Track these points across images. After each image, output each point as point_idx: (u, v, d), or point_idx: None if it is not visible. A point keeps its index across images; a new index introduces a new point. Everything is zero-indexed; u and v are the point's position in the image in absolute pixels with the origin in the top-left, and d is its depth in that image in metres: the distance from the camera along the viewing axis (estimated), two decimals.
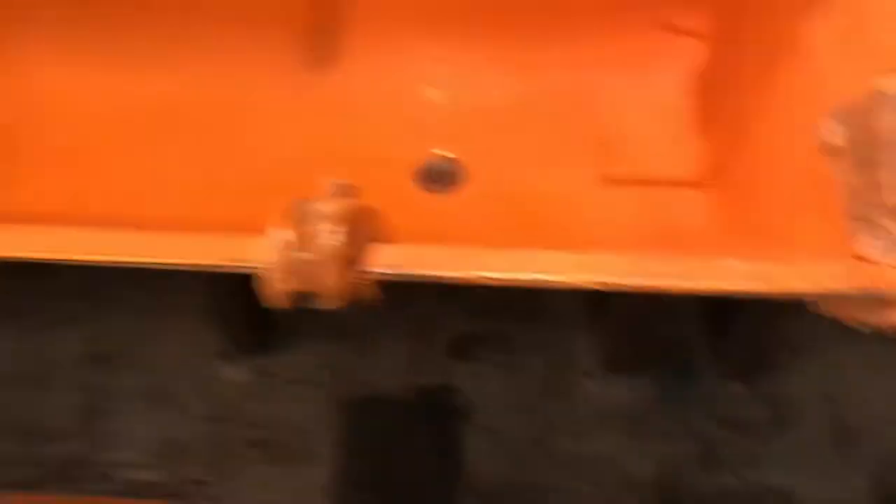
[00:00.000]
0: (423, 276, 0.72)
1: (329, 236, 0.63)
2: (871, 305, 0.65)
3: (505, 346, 1.54)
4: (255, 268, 0.69)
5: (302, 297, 0.67)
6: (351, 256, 0.67)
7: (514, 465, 1.42)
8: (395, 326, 1.56)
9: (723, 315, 1.49)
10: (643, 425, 1.46)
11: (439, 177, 1.24)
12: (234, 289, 1.38)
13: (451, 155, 1.38)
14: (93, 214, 1.13)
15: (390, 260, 0.71)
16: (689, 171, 1.20)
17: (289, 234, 0.64)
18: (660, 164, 1.24)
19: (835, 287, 0.66)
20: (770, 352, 1.51)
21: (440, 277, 0.72)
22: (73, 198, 1.42)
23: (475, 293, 1.59)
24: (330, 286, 0.64)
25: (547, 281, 0.72)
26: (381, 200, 0.82)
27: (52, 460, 1.43)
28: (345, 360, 1.53)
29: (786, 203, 0.96)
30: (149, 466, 1.43)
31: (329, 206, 0.70)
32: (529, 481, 1.40)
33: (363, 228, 0.69)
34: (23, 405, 1.49)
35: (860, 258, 0.68)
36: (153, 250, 0.71)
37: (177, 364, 1.53)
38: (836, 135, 0.76)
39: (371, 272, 0.70)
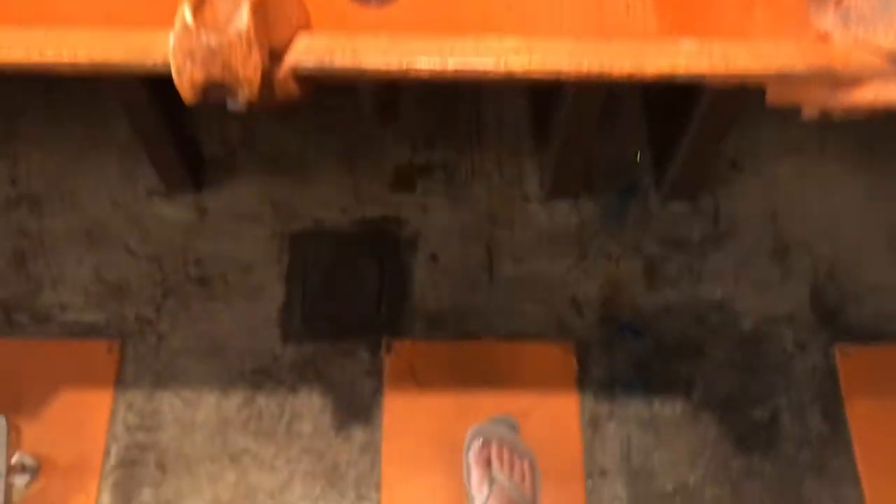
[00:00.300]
0: (348, 69, 0.67)
1: (233, 15, 0.57)
2: (824, 86, 0.63)
3: (449, 175, 1.52)
4: (161, 62, 0.63)
5: (217, 90, 0.62)
6: (264, 42, 0.61)
7: (460, 290, 1.43)
8: (335, 158, 1.52)
9: (667, 136, 1.47)
10: (587, 247, 1.47)
11: None
12: (161, 123, 1.32)
13: None
14: None
15: (312, 49, 0.66)
16: None
17: (187, 17, 0.58)
18: None
19: (790, 66, 0.63)
20: (712, 170, 1.51)
21: (366, 70, 0.67)
22: None
23: (417, 121, 1.55)
24: (240, 73, 0.59)
25: (483, 68, 0.67)
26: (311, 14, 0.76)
27: None
28: (285, 193, 1.49)
29: None
30: (90, 307, 1.40)
31: None
32: (476, 305, 1.42)
33: (279, 13, 0.64)
34: None
35: (819, 36, 0.65)
36: (57, 45, 0.64)
37: (110, 203, 1.48)
38: None
39: (291, 63, 0.65)
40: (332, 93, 1.52)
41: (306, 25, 0.71)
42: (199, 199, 1.48)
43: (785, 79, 0.64)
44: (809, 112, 0.66)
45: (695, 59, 0.65)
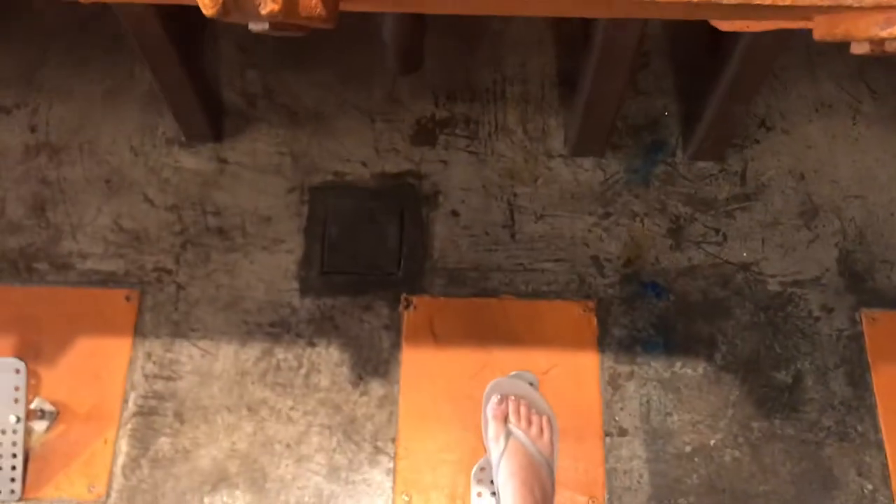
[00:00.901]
0: None
1: None
2: (877, 15, 0.59)
3: (471, 130, 1.50)
4: None
5: (238, 4, 0.59)
6: None
7: (481, 247, 1.41)
8: (356, 111, 1.50)
9: (695, 93, 1.44)
10: (611, 205, 1.44)
11: None
12: (182, 72, 1.30)
13: None
14: None
15: None
16: None
17: None
18: None
19: None
20: (741, 129, 1.48)
21: None
22: None
23: (439, 75, 1.52)
24: None
25: None
26: None
27: (7, 253, 1.40)
28: (305, 145, 1.48)
29: None
30: (109, 256, 1.40)
31: None
32: (496, 262, 1.40)
33: None
34: None
35: None
36: None
37: (129, 152, 1.47)
38: None
39: None
40: (352, 43, 1.49)
41: None
42: (219, 150, 1.47)
43: (838, 8, 0.61)
44: (859, 47, 0.63)
45: None
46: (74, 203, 1.43)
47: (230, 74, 1.51)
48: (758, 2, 0.59)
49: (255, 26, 0.60)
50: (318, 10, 0.59)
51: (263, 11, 0.56)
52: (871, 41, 0.60)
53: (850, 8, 0.59)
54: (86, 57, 1.53)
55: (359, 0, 0.65)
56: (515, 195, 1.45)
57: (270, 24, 0.60)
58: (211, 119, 1.43)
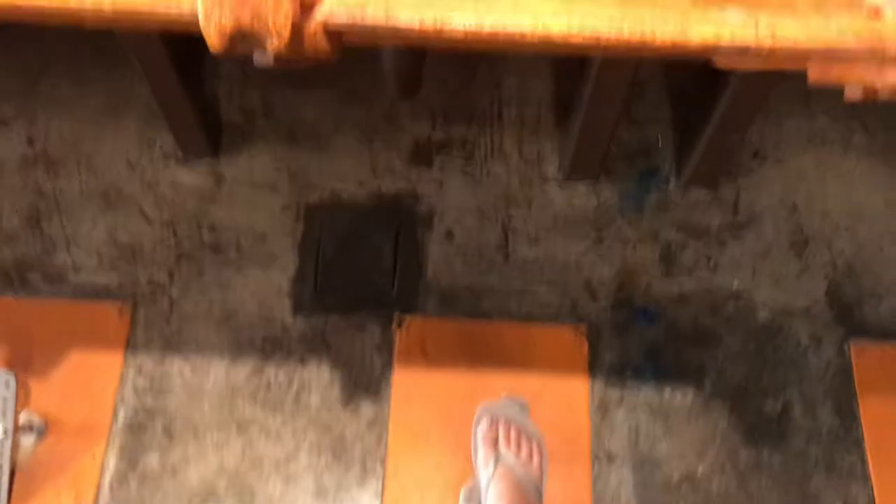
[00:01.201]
0: (380, 26, 0.65)
1: None
2: (871, 64, 0.61)
3: (467, 152, 1.51)
4: (186, 8, 0.61)
5: (245, 40, 0.60)
6: None
7: (474, 268, 1.42)
8: (354, 130, 1.51)
9: (690, 122, 1.45)
10: (604, 230, 1.45)
11: None
12: (181, 87, 1.31)
13: None
14: None
15: (344, 2, 0.64)
16: None
17: None
18: None
19: (840, 41, 0.61)
20: (734, 158, 1.50)
21: (399, 27, 0.65)
22: None
23: (437, 97, 1.53)
24: (270, 22, 0.57)
25: (520, 30, 0.65)
26: None
27: (1, 263, 1.40)
28: (302, 163, 1.48)
29: None
30: (103, 269, 1.40)
31: None
32: (490, 284, 1.40)
33: None
34: None
35: (871, 12, 0.62)
36: None
37: (126, 166, 1.47)
38: None
39: (322, 16, 0.63)
40: (352, 64, 1.50)
41: None
42: (216, 166, 1.47)
43: (833, 55, 0.62)
44: (853, 92, 0.64)
45: (741, 29, 0.63)
46: (70, 215, 1.43)
47: (229, 91, 1.52)
48: (754, 48, 0.61)
49: (260, 60, 0.61)
50: (323, 46, 0.60)
51: (270, 48, 0.57)
52: (865, 88, 0.61)
53: (844, 56, 0.61)
54: (86, 70, 1.54)
55: (361, 35, 0.66)
56: (510, 217, 1.46)
57: (275, 58, 0.61)
58: (209, 135, 1.44)
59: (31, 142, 1.49)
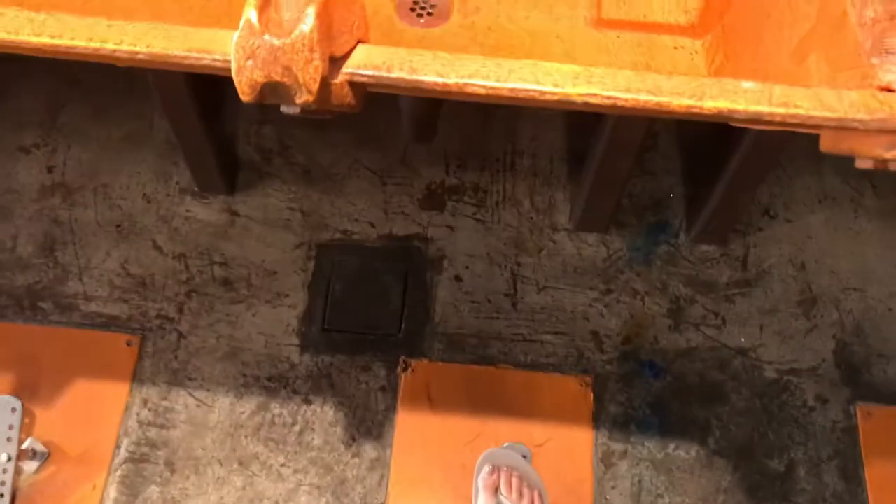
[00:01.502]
0: (405, 82, 0.67)
1: (298, 20, 0.58)
2: (882, 136, 0.62)
3: (479, 198, 1.52)
4: (220, 59, 0.63)
5: (274, 92, 0.62)
6: (325, 48, 0.62)
7: (482, 314, 1.42)
8: (368, 172, 1.53)
9: (701, 178, 1.47)
10: (612, 282, 1.46)
11: (423, 9, 1.18)
12: (201, 125, 1.33)
13: None
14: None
15: (373, 60, 0.66)
16: (684, 14, 1.14)
17: (252, 16, 0.58)
18: (655, 12, 1.18)
19: (852, 114, 0.62)
20: (745, 215, 1.51)
21: (423, 84, 0.67)
22: None
23: (452, 143, 1.55)
24: (300, 77, 0.59)
25: (543, 94, 0.67)
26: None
27: (13, 290, 1.41)
28: (316, 203, 1.50)
29: (795, 46, 0.91)
30: (114, 300, 1.41)
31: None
32: (497, 330, 1.41)
33: (342, 21, 0.64)
34: None
35: (884, 88, 0.64)
36: (118, 35, 0.65)
37: (142, 199, 1.49)
38: None
39: (349, 70, 0.65)
40: (369, 107, 1.53)
41: (365, 37, 0.72)
42: (231, 202, 1.49)
43: (844, 127, 0.64)
44: (863, 162, 0.65)
45: (755, 99, 0.64)
46: (84, 245, 1.45)
47: (247, 129, 1.55)
48: (768, 117, 0.62)
49: (287, 110, 0.63)
50: (349, 98, 0.61)
51: (299, 101, 0.59)
52: (875, 159, 0.63)
53: (856, 128, 0.62)
54: (107, 102, 1.56)
55: (385, 87, 0.68)
56: (519, 265, 1.47)
57: (302, 109, 0.62)
58: (225, 172, 1.46)
59: (50, 170, 1.51)
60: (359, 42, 0.70)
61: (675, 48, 1.19)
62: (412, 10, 1.18)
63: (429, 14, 1.17)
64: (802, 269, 1.48)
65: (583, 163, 1.46)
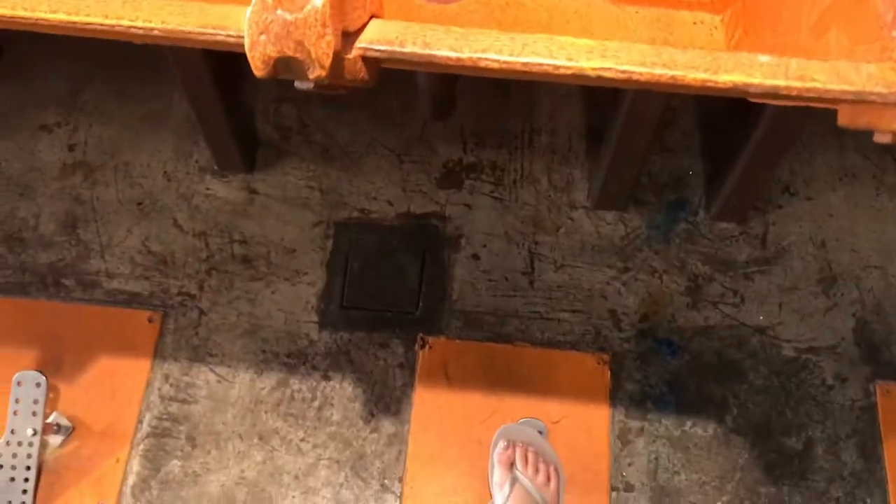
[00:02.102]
0: (418, 56, 0.67)
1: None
2: None
3: (497, 176, 1.52)
4: (234, 34, 0.64)
5: (288, 67, 0.63)
6: (338, 23, 0.62)
7: (499, 292, 1.43)
8: (386, 150, 1.53)
9: (721, 155, 1.46)
10: (630, 259, 1.46)
11: None
12: (220, 103, 1.34)
13: None
14: None
15: (384, 34, 0.66)
16: None
17: None
18: None
19: (870, 87, 0.62)
20: (764, 192, 1.49)
21: (436, 59, 0.67)
22: None
23: (470, 121, 1.55)
24: (313, 52, 0.59)
25: (557, 68, 0.67)
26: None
27: (37, 267, 1.43)
28: (334, 181, 1.51)
29: (815, 20, 0.90)
30: (135, 277, 1.43)
31: None
32: (514, 308, 1.41)
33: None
34: (8, 215, 1.47)
35: None
36: (133, 11, 0.66)
37: (163, 177, 1.50)
38: None
39: (362, 46, 0.65)
40: (386, 85, 1.53)
41: (379, 12, 0.72)
42: (250, 180, 1.50)
43: (862, 101, 0.63)
44: (882, 136, 0.65)
45: (771, 73, 0.63)
46: (105, 223, 1.47)
47: (266, 108, 1.55)
48: (784, 90, 0.61)
49: (300, 85, 0.63)
50: (362, 73, 0.61)
51: (311, 75, 0.59)
52: (894, 134, 0.62)
53: (874, 101, 0.61)
54: (128, 81, 1.58)
55: (399, 63, 0.68)
56: (536, 243, 1.47)
57: (316, 84, 0.63)
58: (244, 150, 1.47)
59: (71, 148, 1.53)
60: (372, 17, 0.70)
61: (695, 23, 1.18)
62: None
63: None
64: (822, 247, 1.47)
65: (601, 140, 1.46)
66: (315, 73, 0.61)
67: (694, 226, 1.48)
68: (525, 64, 0.67)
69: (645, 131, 1.31)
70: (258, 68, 0.60)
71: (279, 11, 0.60)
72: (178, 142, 1.53)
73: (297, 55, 0.61)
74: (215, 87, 1.29)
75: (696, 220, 1.48)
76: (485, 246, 1.46)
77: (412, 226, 1.48)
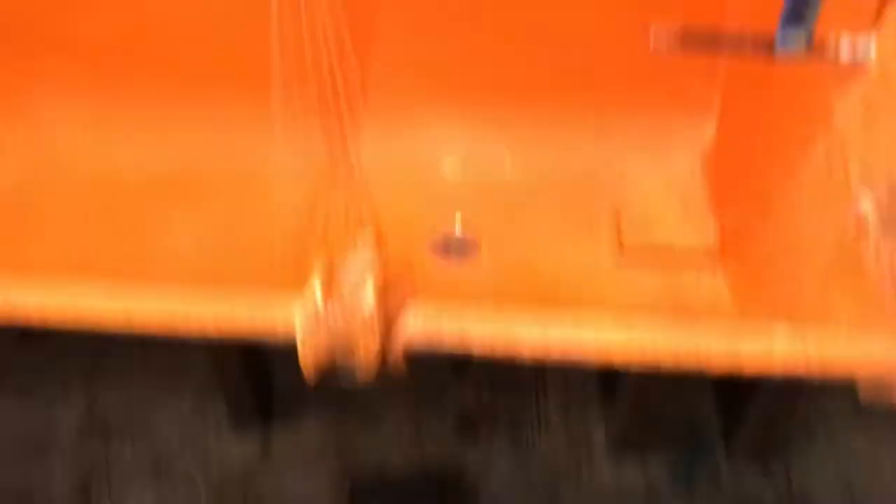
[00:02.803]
0: (457, 349, 0.69)
1: (358, 301, 0.61)
2: None
3: (514, 423, 1.51)
4: (285, 337, 0.67)
5: (334, 369, 0.65)
6: (384, 328, 0.65)
7: None
8: (402, 402, 1.53)
9: (737, 395, 1.46)
10: None
11: (455, 248, 1.24)
12: (237, 357, 1.36)
13: (466, 229, 1.39)
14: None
15: (426, 330, 0.68)
16: (705, 246, 1.19)
17: (318, 301, 0.62)
18: (675, 239, 1.23)
19: (889, 361, 0.64)
20: (784, 434, 1.48)
21: (474, 351, 0.69)
22: (82, 261, 1.39)
23: (483, 366, 1.57)
24: (361, 359, 0.62)
25: (585, 344, 0.69)
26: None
27: None
28: (350, 436, 1.49)
29: (816, 280, 0.94)
30: None
31: (360, 274, 0.68)
32: None
33: (396, 294, 0.68)
34: (21, 475, 1.44)
35: None
36: (185, 313, 0.68)
37: (179, 435, 1.49)
38: (876, 208, 0.76)
39: (402, 344, 0.68)
40: None
41: (413, 294, 0.75)
42: (266, 433, 1.49)
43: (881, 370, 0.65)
44: None
45: (791, 358, 0.66)
46: (118, 485, 1.44)
47: (286, 362, 1.56)
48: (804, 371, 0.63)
49: (345, 384, 0.65)
50: (401, 369, 0.64)
51: (357, 379, 0.61)
52: None
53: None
54: (147, 343, 1.60)
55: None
56: (558, 493, 1.43)
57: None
58: (261, 404, 1.47)
59: (89, 408, 1.52)
60: (407, 299, 0.74)
61: (700, 280, 1.23)
62: (444, 250, 1.25)
63: (460, 254, 1.23)
64: (849, 489, 1.44)
65: (618, 385, 1.47)
66: (361, 377, 0.63)
67: (716, 470, 1.46)
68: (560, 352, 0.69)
69: (659, 377, 1.33)
70: (308, 374, 0.63)
71: (330, 322, 0.63)
72: (196, 399, 1.53)
73: (345, 359, 0.63)
74: (239, 351, 1.31)
75: (717, 464, 1.46)
76: (504, 497, 1.43)
77: (430, 480, 1.46)
